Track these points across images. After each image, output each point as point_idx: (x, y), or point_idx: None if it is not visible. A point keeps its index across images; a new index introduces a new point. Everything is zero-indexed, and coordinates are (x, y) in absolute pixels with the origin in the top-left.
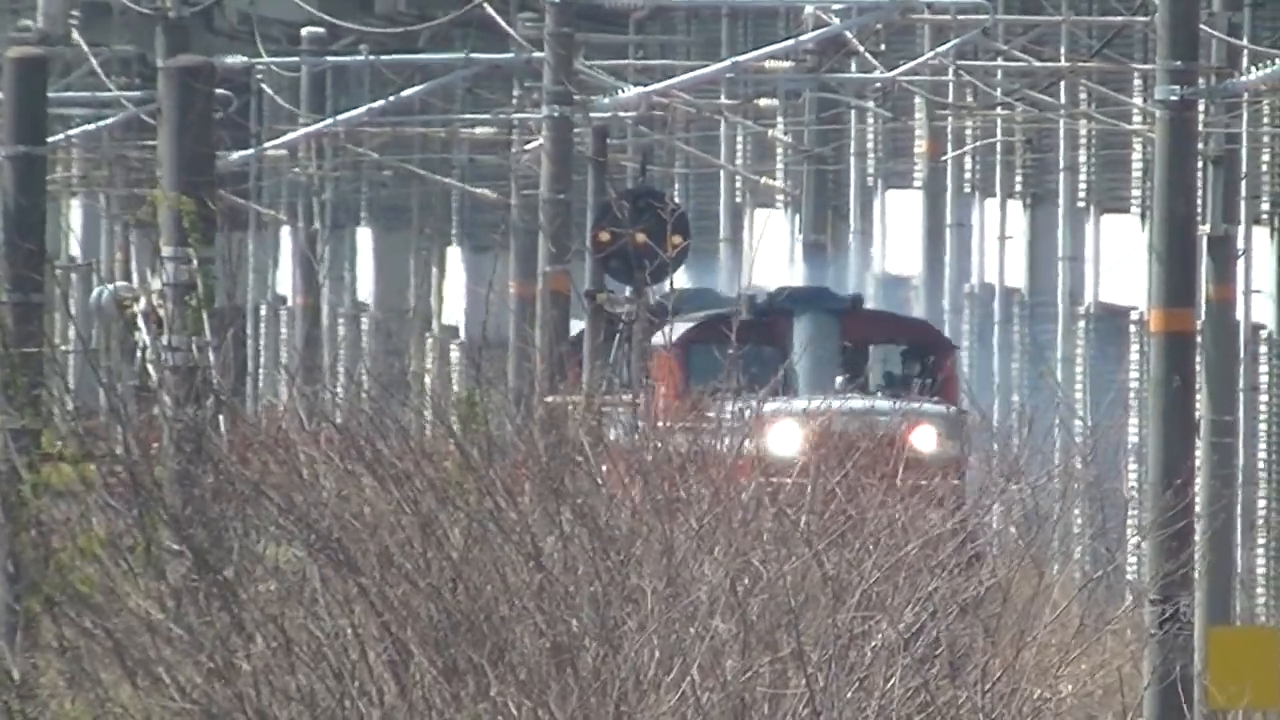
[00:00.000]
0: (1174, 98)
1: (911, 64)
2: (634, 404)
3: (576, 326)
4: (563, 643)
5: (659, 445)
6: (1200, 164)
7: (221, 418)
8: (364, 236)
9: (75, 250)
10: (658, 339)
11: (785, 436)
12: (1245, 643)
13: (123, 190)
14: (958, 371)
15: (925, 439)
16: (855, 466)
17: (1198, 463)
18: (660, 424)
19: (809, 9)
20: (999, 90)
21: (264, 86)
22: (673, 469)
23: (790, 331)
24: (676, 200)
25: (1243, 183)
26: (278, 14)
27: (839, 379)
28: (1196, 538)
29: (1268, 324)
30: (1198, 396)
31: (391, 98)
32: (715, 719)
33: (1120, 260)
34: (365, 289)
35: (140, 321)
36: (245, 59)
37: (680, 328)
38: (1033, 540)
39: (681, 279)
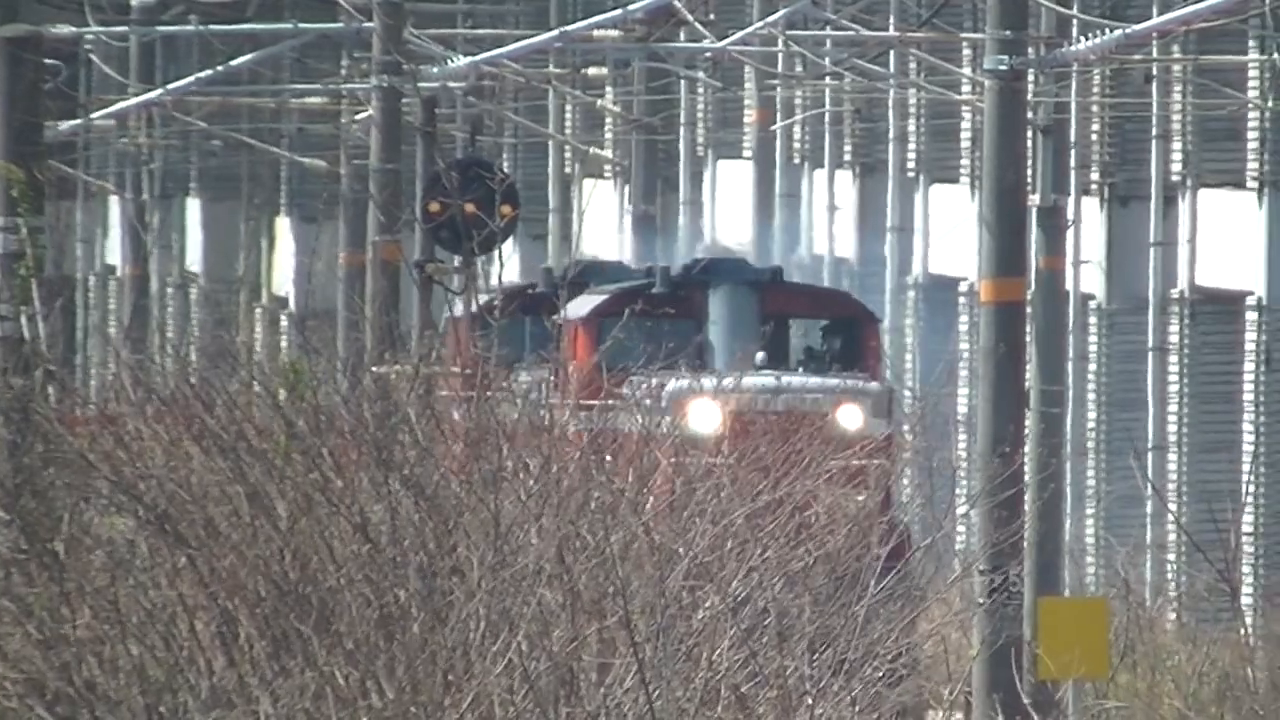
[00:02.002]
0: (1003, 67)
1: (741, 33)
2: (463, 374)
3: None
4: (390, 613)
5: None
6: (1029, 134)
7: (50, 388)
8: (193, 206)
9: None
10: (570, 311)
11: (703, 415)
12: (1075, 613)
13: None
14: (881, 345)
15: (851, 417)
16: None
17: (1027, 432)
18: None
19: None
20: (828, 60)
21: (92, 56)
22: (502, 439)
23: (706, 304)
24: (506, 170)
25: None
26: None
27: (759, 355)
28: (1026, 507)
29: (1097, 294)
30: (1027, 366)
31: (220, 67)
32: (543, 688)
33: (950, 230)
34: (194, 259)
35: None
36: (74, 28)
37: (590, 300)
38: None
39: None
